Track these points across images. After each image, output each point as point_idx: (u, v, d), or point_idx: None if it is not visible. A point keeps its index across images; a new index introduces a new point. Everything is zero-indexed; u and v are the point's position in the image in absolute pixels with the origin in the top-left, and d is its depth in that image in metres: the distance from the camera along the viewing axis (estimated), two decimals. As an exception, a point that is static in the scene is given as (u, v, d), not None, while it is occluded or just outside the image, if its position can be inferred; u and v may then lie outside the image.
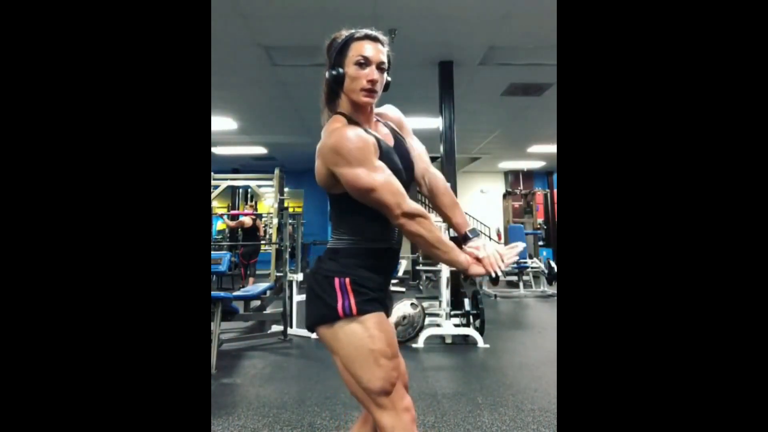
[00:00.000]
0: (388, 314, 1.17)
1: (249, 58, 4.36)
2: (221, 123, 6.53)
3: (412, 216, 1.05)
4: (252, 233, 6.89)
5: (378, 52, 1.10)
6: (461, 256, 1.10)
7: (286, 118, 6.46)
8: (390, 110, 1.27)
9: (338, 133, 1.06)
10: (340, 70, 1.11)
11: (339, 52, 1.11)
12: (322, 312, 1.11)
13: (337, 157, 1.04)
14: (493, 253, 1.11)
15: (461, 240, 1.17)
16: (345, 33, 1.12)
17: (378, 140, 1.11)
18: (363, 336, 1.08)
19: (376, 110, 1.23)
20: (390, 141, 1.17)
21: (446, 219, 1.24)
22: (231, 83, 5.01)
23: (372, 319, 1.10)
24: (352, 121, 1.12)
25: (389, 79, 1.16)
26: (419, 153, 1.24)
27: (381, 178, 1.05)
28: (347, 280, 1.10)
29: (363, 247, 1.13)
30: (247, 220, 6.89)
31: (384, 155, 1.10)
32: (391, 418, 1.06)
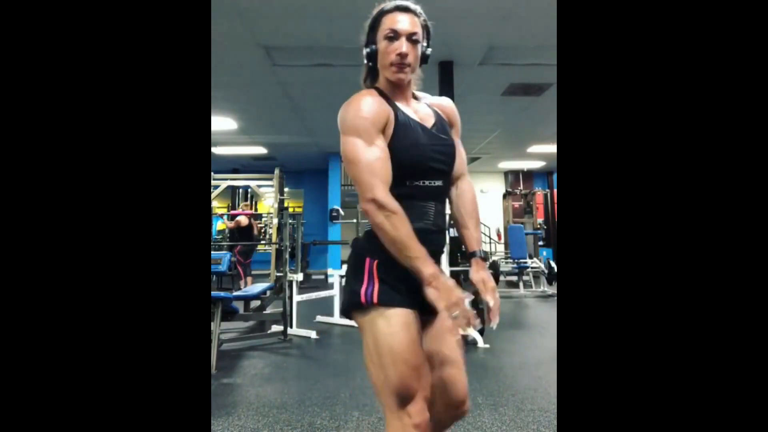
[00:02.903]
0: (424, 309, 1.01)
1: (249, 58, 4.36)
2: (221, 123, 6.53)
3: (380, 206, 0.96)
4: (247, 232, 6.96)
5: (408, 23, 1.05)
6: (427, 268, 0.94)
7: (286, 118, 6.46)
8: (446, 102, 1.21)
9: (353, 99, 1.03)
10: (373, 47, 1.08)
11: (371, 28, 1.09)
12: (349, 298, 1.07)
13: (342, 122, 1.02)
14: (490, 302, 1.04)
15: (467, 256, 1.13)
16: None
17: (398, 113, 1.06)
18: (384, 331, 1.00)
19: (431, 99, 1.20)
20: (429, 121, 1.11)
21: (459, 226, 1.17)
22: (231, 83, 5.01)
23: (398, 316, 1.01)
24: (383, 95, 1.08)
25: (428, 51, 1.12)
26: (462, 158, 1.20)
27: (368, 155, 0.98)
28: (375, 262, 1.04)
29: None
30: (244, 220, 6.97)
31: (401, 127, 1.04)
32: (397, 429, 0.98)
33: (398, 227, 0.95)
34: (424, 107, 1.15)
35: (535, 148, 8.55)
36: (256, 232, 7.15)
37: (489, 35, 3.99)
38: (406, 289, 1.02)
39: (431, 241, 1.05)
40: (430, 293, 0.93)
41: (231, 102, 5.72)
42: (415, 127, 1.07)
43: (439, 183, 1.09)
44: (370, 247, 1.05)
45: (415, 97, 1.17)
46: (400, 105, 1.09)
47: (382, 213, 0.96)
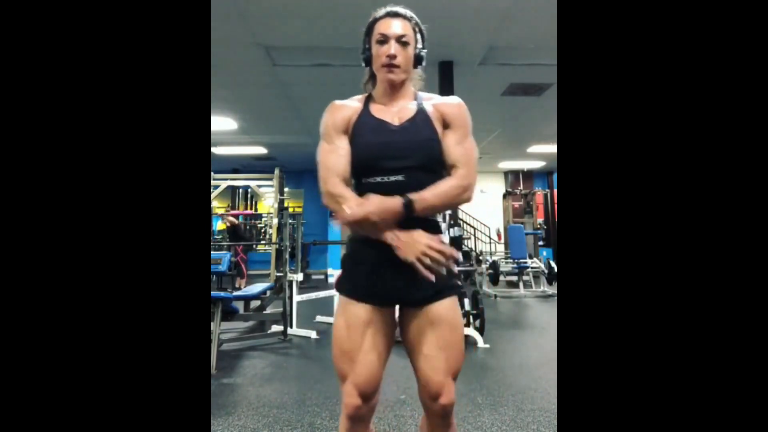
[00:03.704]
0: (382, 301, 1.09)
1: (249, 58, 4.36)
2: (221, 123, 6.53)
3: (331, 195, 1.08)
4: (238, 231, 7.30)
5: (397, 26, 1.12)
6: (386, 235, 1.03)
7: (286, 118, 6.46)
8: (449, 100, 1.18)
9: (326, 110, 1.17)
10: (369, 52, 1.16)
11: (366, 34, 1.17)
12: None
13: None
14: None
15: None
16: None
17: (361, 116, 1.15)
18: (337, 313, 1.14)
19: (437, 99, 1.19)
20: (402, 119, 1.14)
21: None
22: (231, 83, 5.01)
23: (342, 302, 1.13)
24: (369, 98, 1.19)
25: (422, 53, 1.17)
26: (458, 154, 1.13)
27: (326, 153, 1.12)
28: (344, 255, 1.18)
29: None
30: (234, 219, 7.37)
31: (358, 128, 1.14)
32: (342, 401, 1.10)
33: (353, 207, 1.04)
34: (412, 105, 1.17)
35: (535, 148, 8.55)
36: (241, 231, 7.64)
37: (489, 35, 3.99)
38: (356, 279, 1.12)
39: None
40: (398, 252, 1.03)
41: (231, 102, 5.72)
42: (374, 126, 1.14)
43: (398, 178, 1.09)
44: (349, 240, 1.17)
45: (417, 97, 1.20)
46: (373, 107, 1.17)
47: (333, 201, 1.08)
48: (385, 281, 1.09)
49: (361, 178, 1.12)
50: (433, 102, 1.18)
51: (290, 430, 2.08)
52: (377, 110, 1.16)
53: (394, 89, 1.16)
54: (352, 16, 3.46)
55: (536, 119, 6.57)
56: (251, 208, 10.67)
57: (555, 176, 10.83)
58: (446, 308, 1.10)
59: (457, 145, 1.14)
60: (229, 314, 3.57)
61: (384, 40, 1.11)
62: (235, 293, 4.08)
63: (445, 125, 1.15)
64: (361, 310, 1.10)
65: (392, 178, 1.09)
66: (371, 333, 1.09)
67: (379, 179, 1.10)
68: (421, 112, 1.15)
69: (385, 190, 1.09)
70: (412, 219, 1.06)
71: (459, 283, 1.16)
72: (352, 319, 1.10)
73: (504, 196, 10.26)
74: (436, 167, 1.13)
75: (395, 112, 1.15)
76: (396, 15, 1.14)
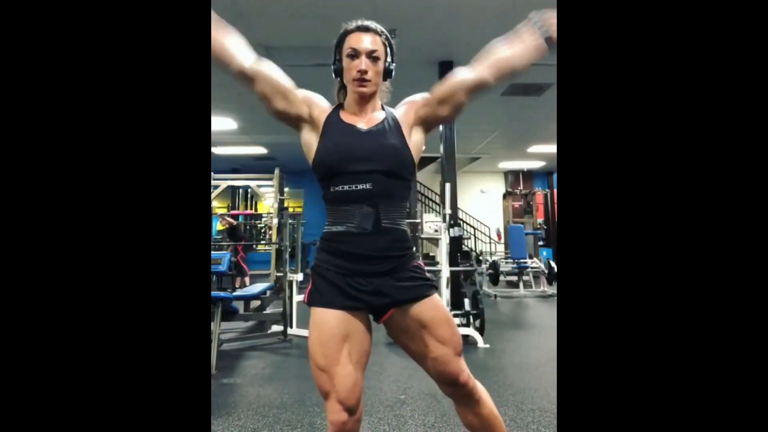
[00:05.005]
0: (356, 307, 1.10)
1: (249, 58, 4.35)
2: (221, 123, 6.53)
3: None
4: (237, 232, 7.43)
5: (368, 41, 1.13)
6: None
7: (286, 118, 6.46)
8: (404, 101, 1.23)
9: None
10: (339, 64, 1.17)
11: (337, 46, 1.18)
12: None
13: None
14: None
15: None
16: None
17: (330, 117, 1.16)
18: (310, 328, 1.11)
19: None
20: (369, 124, 1.16)
21: (519, 56, 1.28)
22: (231, 83, 5.00)
23: (315, 315, 1.10)
24: (339, 106, 1.20)
25: (392, 66, 1.19)
26: (454, 82, 1.25)
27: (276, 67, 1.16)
28: (314, 265, 1.16)
29: (326, 231, 1.15)
30: (232, 220, 7.48)
31: (326, 127, 1.14)
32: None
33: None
34: (379, 114, 1.19)
35: (535, 148, 8.55)
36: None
37: (489, 35, 3.98)
38: (330, 289, 1.10)
39: (355, 243, 1.10)
40: None
41: (231, 102, 5.73)
42: (343, 129, 1.14)
43: (365, 186, 1.09)
44: (317, 253, 1.16)
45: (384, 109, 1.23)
46: (343, 113, 1.18)
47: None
48: (355, 286, 1.10)
49: (330, 186, 1.12)
50: (402, 106, 1.21)
51: (290, 430, 2.08)
52: (346, 116, 1.17)
53: (364, 101, 1.17)
54: (352, 17, 3.45)
55: (536, 119, 6.57)
56: (251, 208, 10.65)
57: (555, 176, 10.83)
58: (432, 308, 1.13)
59: (446, 81, 1.21)
60: (229, 314, 3.57)
61: (355, 54, 1.12)
62: (235, 293, 4.08)
63: (420, 109, 1.20)
64: (333, 319, 1.08)
65: (359, 186, 1.10)
66: (347, 342, 1.08)
67: (347, 188, 1.10)
68: (390, 119, 1.17)
69: (349, 198, 1.10)
70: (382, 228, 1.10)
71: (432, 279, 1.19)
72: (325, 331, 1.08)
73: (504, 196, 10.26)
74: (404, 173, 1.15)
75: (365, 120, 1.17)
76: (367, 30, 1.14)
